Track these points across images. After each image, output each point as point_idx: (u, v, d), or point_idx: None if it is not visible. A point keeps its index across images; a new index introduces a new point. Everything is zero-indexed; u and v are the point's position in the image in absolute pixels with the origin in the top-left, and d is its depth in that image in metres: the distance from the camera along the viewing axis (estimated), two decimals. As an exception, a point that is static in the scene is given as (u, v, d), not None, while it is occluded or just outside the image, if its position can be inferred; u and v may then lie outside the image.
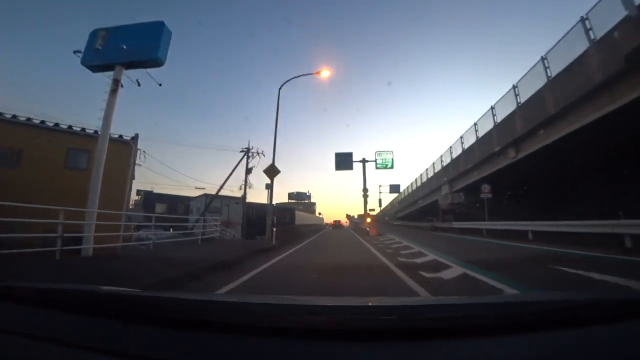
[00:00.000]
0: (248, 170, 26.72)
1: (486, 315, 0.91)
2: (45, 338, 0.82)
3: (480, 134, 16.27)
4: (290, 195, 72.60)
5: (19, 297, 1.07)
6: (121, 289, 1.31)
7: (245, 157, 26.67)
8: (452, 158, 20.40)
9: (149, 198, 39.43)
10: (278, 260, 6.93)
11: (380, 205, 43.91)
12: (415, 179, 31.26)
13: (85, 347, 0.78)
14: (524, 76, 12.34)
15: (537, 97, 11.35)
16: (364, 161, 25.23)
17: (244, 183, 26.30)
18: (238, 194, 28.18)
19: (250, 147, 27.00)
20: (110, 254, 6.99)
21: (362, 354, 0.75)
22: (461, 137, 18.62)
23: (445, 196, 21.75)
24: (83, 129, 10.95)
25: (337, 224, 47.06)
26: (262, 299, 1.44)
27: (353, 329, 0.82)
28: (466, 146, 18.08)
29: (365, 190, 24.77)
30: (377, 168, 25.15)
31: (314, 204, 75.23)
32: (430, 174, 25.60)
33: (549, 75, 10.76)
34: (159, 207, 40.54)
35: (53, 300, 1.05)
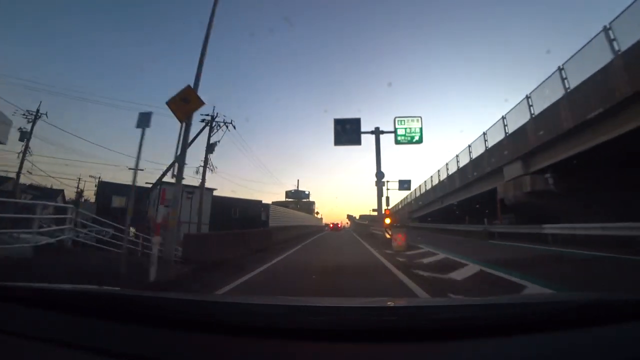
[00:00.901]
0: (210, 147, 18.70)
1: (487, 317, 0.89)
2: (45, 338, 0.81)
3: (626, 45, 8.02)
4: (288, 194, 66.31)
5: (19, 297, 1.05)
6: (121, 289, 1.29)
7: (208, 127, 18.72)
8: (532, 115, 12.03)
9: (104, 189, 32.04)
10: None
11: (387, 204, 35.85)
12: (447, 164, 22.82)
13: (84, 347, 0.77)
14: None
15: None
16: (377, 132, 16.81)
17: (202, 165, 18.22)
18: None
19: (215, 115, 18.94)
20: None
21: (362, 354, 0.74)
22: (560, 69, 10.32)
23: (514, 183, 13.31)
24: None
25: (335, 227, 43.94)
26: (262, 299, 1.38)
27: (353, 330, 0.80)
28: (574, 83, 9.76)
29: (379, 175, 16.44)
30: (397, 142, 16.69)
31: (313, 203, 69.11)
32: (479, 151, 17.13)
33: None
34: (117, 201, 32.84)
35: (53, 301, 1.03)
